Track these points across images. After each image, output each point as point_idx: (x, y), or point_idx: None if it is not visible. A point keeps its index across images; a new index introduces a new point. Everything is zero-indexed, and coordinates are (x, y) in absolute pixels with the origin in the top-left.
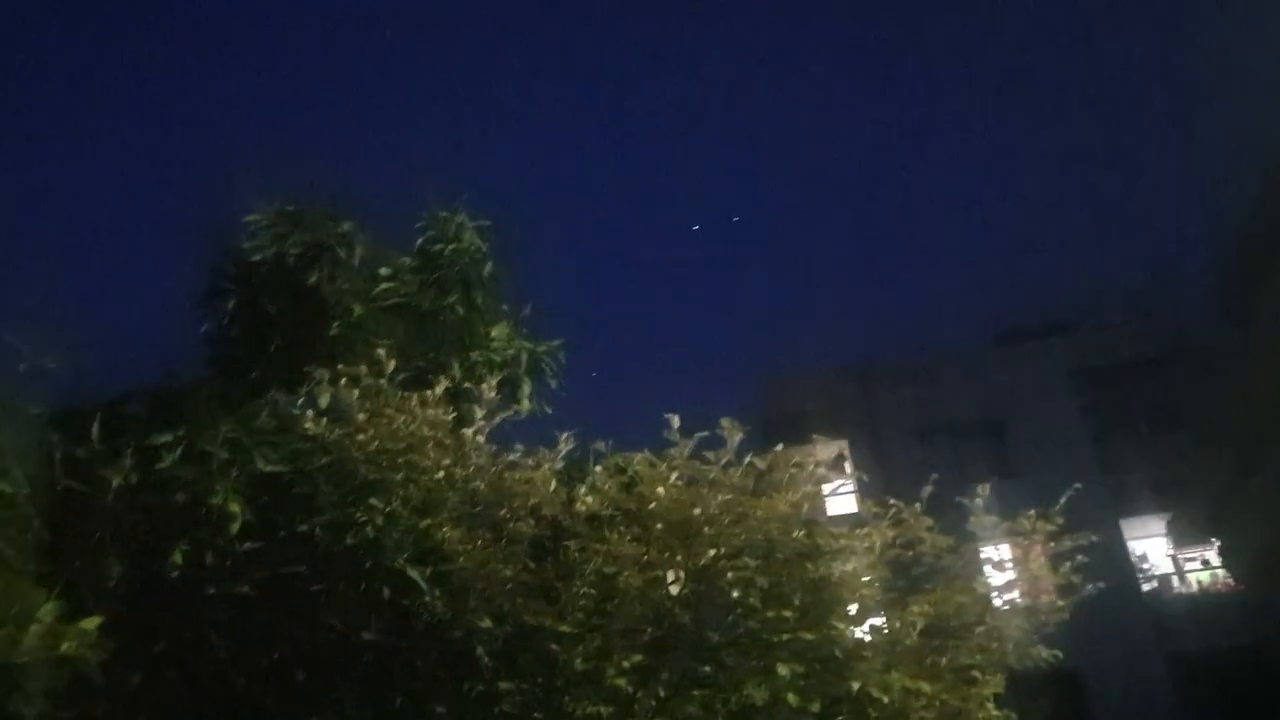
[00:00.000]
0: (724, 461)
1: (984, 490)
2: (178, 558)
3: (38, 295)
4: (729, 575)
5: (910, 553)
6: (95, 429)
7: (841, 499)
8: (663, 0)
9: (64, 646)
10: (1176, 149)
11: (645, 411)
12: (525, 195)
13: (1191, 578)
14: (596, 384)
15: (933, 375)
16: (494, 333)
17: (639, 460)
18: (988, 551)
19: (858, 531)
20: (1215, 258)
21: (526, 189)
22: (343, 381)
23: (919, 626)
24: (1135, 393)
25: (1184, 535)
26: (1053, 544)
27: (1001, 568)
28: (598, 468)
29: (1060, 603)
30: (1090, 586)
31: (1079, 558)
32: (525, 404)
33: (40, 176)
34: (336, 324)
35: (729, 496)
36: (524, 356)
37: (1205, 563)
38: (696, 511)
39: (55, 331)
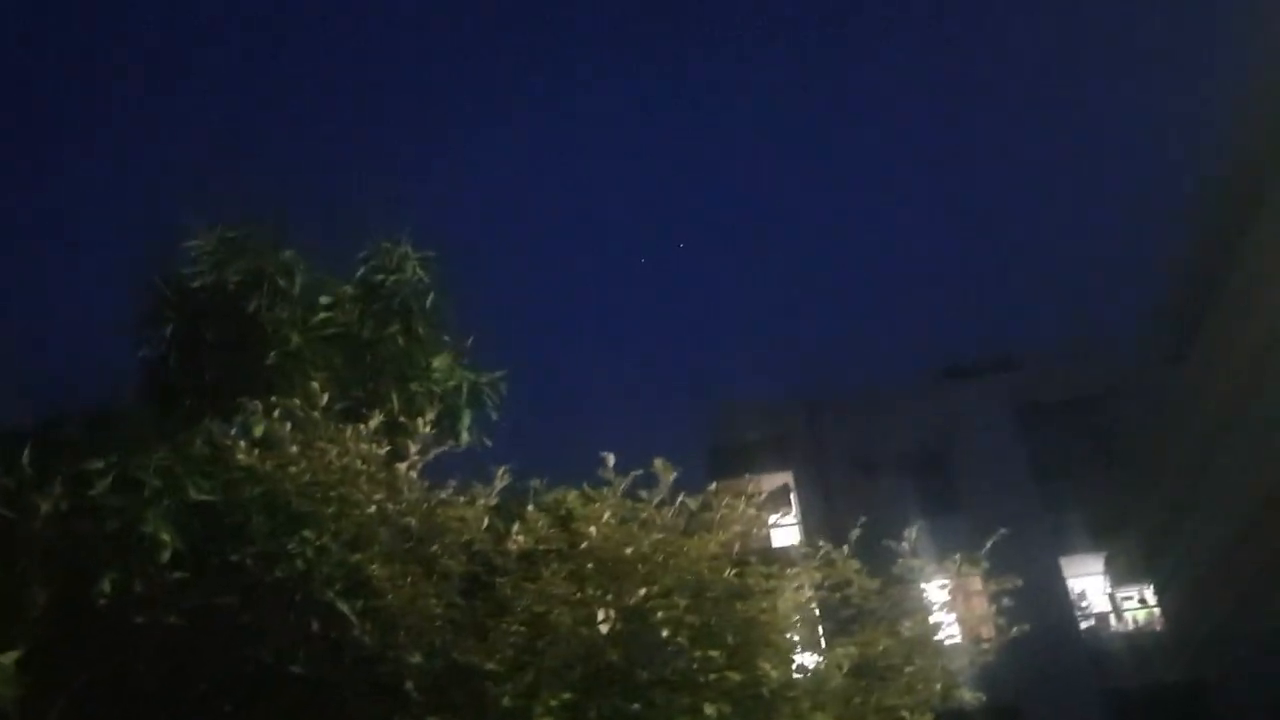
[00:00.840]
0: (657, 500)
1: (912, 533)
2: (106, 586)
3: None
4: (659, 614)
5: (838, 595)
6: (26, 455)
7: (785, 530)
8: (594, 24)
9: None
10: (1120, 188)
11: (587, 441)
12: (468, 222)
13: (1129, 615)
14: (537, 415)
15: (878, 407)
16: (435, 363)
17: (573, 497)
18: (930, 588)
19: (788, 571)
20: (1155, 296)
21: (469, 215)
22: (276, 412)
23: (845, 668)
24: (1076, 430)
25: (1121, 573)
26: (990, 584)
27: (938, 607)
28: (530, 506)
29: (985, 644)
30: (1015, 630)
31: (1005, 600)
32: (464, 436)
33: None
34: (274, 353)
35: (661, 536)
36: (465, 387)
37: (1142, 601)
38: (629, 550)
39: None
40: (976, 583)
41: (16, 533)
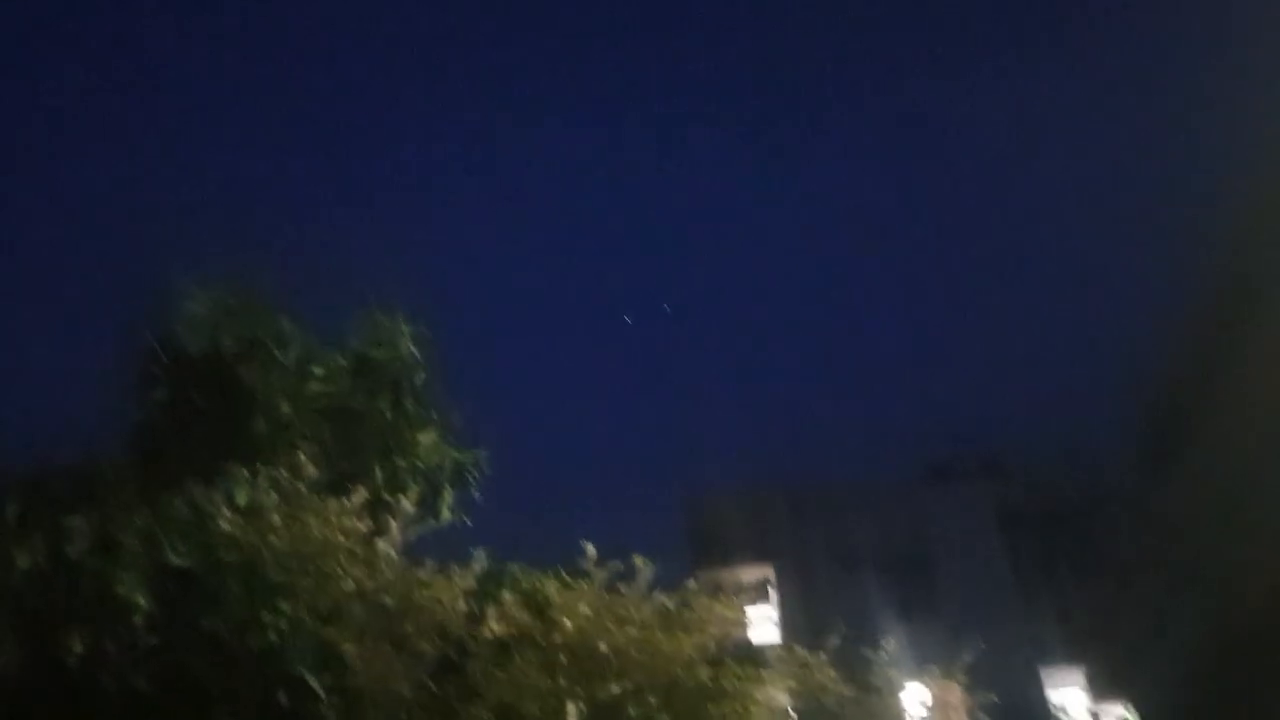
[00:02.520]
0: (636, 596)
1: (890, 643)
2: (77, 645)
3: None
4: (631, 712)
5: (815, 702)
6: (11, 509)
7: (764, 625)
8: (580, 89)
9: None
10: (1110, 295)
11: (566, 521)
12: (456, 294)
13: None
14: (518, 495)
15: (862, 505)
16: (421, 439)
17: (551, 586)
18: (908, 695)
19: (763, 673)
20: (1141, 409)
21: (456, 287)
22: (261, 481)
23: None
24: (1059, 539)
25: (1103, 686)
26: (969, 697)
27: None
28: (507, 593)
29: None
30: None
31: (985, 713)
32: (445, 514)
33: None
34: (263, 420)
35: (637, 632)
36: (448, 465)
37: (1123, 718)
38: (604, 645)
39: None
40: (955, 690)
41: None
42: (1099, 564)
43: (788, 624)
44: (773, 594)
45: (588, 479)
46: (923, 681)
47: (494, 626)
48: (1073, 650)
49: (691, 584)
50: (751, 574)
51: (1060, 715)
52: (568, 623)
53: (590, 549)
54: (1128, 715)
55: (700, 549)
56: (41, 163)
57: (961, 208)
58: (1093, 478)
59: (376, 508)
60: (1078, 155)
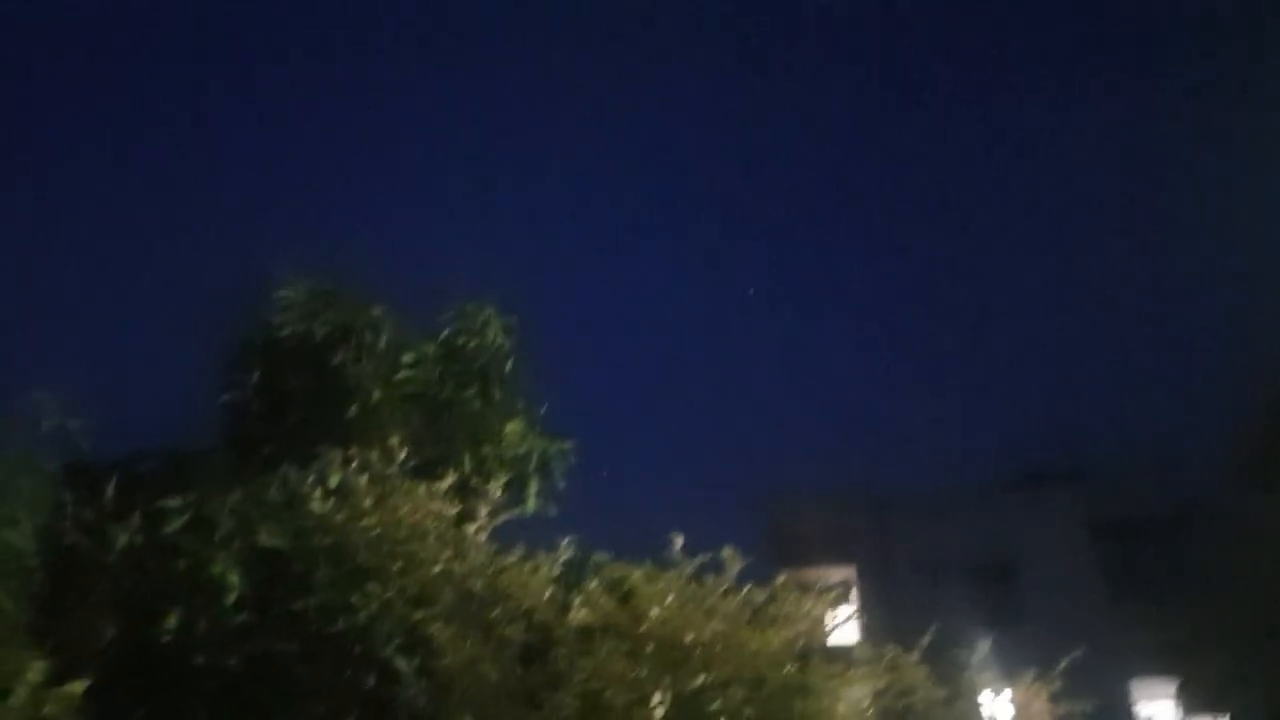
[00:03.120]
0: (722, 589)
1: (981, 647)
2: (171, 623)
3: (63, 354)
4: (715, 704)
5: (902, 702)
6: (111, 488)
7: (845, 628)
8: (698, 90)
9: (46, 709)
10: (1209, 306)
11: (651, 515)
12: (551, 292)
13: None
14: (604, 484)
15: (947, 510)
16: (508, 428)
17: (638, 576)
18: (993, 703)
19: (851, 672)
20: (1240, 417)
21: (552, 285)
22: (353, 465)
23: None
24: (1150, 549)
25: (1194, 702)
26: (1058, 706)
27: None
28: (594, 582)
29: None
30: None
31: None
32: (531, 503)
33: (73, 238)
34: (355, 406)
35: (723, 626)
36: (535, 455)
37: None
38: (689, 636)
39: (79, 391)
40: (1041, 700)
41: (92, 563)
42: (1193, 575)
43: (869, 627)
44: (854, 596)
45: (671, 474)
46: (1008, 688)
47: (580, 614)
48: (1164, 663)
49: (781, 578)
50: (833, 575)
51: None
52: (654, 612)
53: (678, 539)
54: None
55: (782, 549)
56: (135, 155)
57: (1058, 213)
58: (1186, 487)
59: (465, 493)
60: (1178, 165)
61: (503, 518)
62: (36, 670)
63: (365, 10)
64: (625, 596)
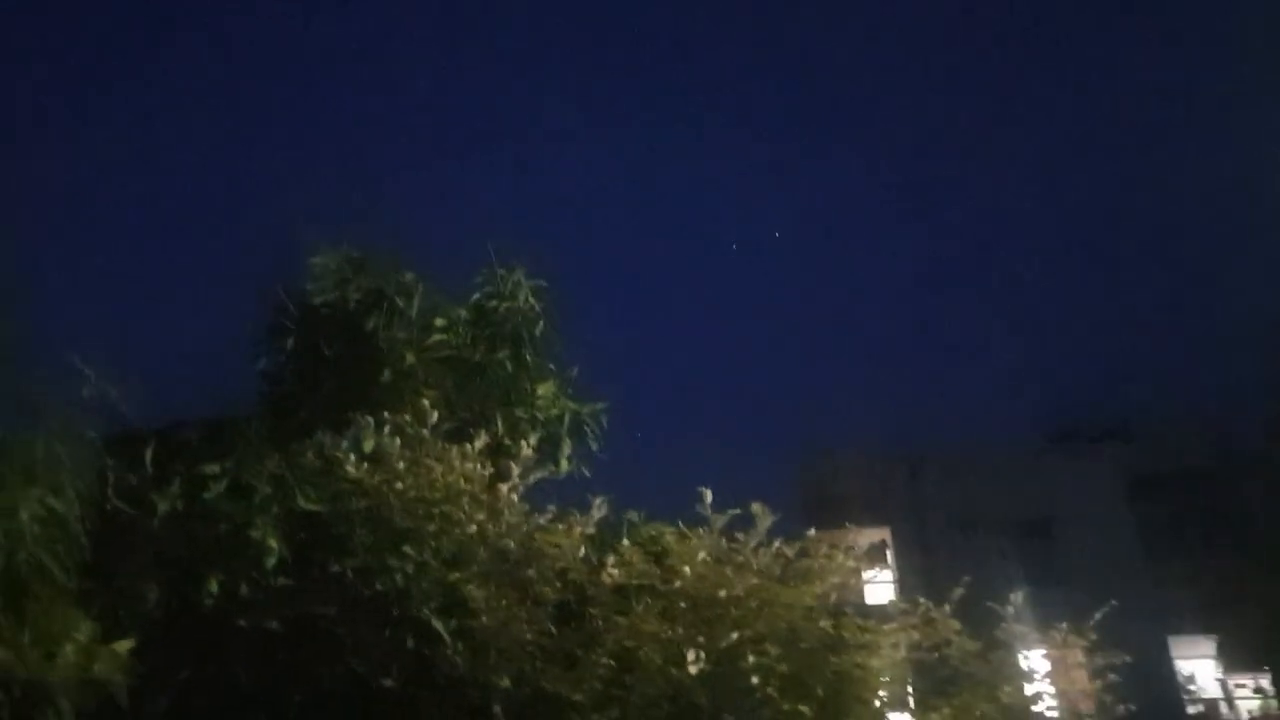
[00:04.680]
0: (754, 544)
1: (1017, 598)
2: (213, 586)
3: (102, 321)
4: (750, 660)
5: (937, 654)
6: (149, 455)
7: (880, 587)
8: (737, 68)
9: (95, 668)
10: (1242, 261)
11: (682, 476)
12: (578, 252)
13: (1242, 705)
14: (636, 446)
15: (982, 469)
16: (540, 390)
17: (670, 533)
18: (1030, 658)
19: (885, 627)
20: (1274, 370)
21: (581, 246)
22: (387, 428)
23: None
24: (1189, 505)
25: (1235, 659)
26: (1093, 657)
27: (1039, 677)
28: (626, 540)
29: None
30: (1122, 707)
31: (1112, 677)
32: (564, 464)
33: (111, 209)
34: (388, 371)
35: (756, 581)
36: (566, 417)
37: (1258, 690)
38: (722, 593)
39: (117, 357)
40: (1078, 655)
41: (135, 529)
42: (1232, 531)
43: (905, 586)
44: (890, 557)
45: (706, 432)
46: (1045, 641)
47: (613, 573)
48: (1204, 620)
49: (812, 532)
50: (868, 536)
51: (1189, 686)
52: (687, 570)
53: (708, 494)
54: (1263, 688)
55: (815, 508)
56: (168, 133)
57: (1096, 178)
58: (1224, 442)
59: (497, 455)
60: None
61: (535, 477)
62: (85, 630)
63: None
64: (657, 556)
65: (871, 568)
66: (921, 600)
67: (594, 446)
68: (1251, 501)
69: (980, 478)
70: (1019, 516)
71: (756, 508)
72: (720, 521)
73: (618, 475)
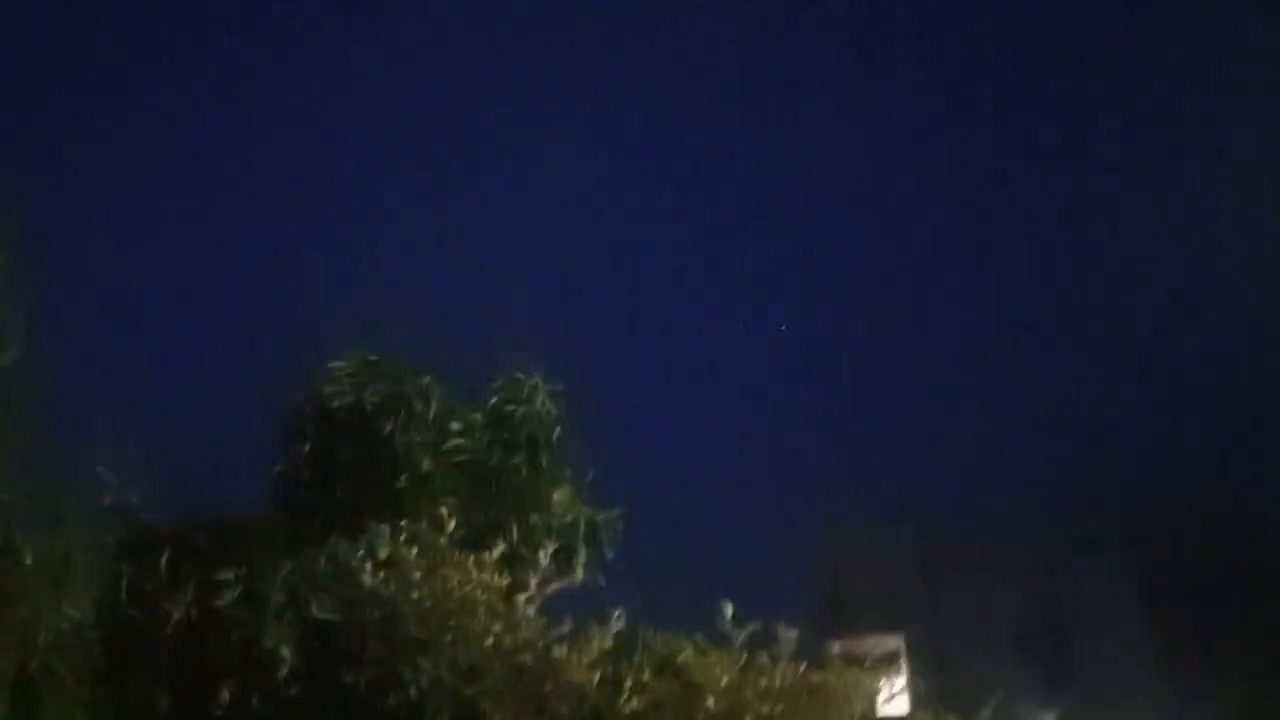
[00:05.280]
0: (777, 667)
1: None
2: (226, 695)
3: (120, 421)
4: None
5: None
6: (163, 562)
7: (896, 699)
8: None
9: None
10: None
11: (697, 577)
12: (597, 354)
13: None
14: (650, 551)
15: (999, 574)
16: (556, 496)
17: (690, 650)
18: None
19: None
20: None
21: (598, 348)
22: (403, 537)
23: None
24: (1210, 615)
25: None
26: None
27: None
28: (642, 661)
29: None
30: None
31: None
32: (580, 573)
33: (127, 310)
34: (405, 476)
35: (781, 708)
36: (582, 523)
37: None
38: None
39: (137, 463)
40: None
41: (148, 635)
42: (1255, 641)
43: (919, 697)
44: (904, 666)
45: (720, 540)
46: None
47: (632, 704)
48: None
49: (835, 650)
50: (883, 645)
51: None
52: (711, 700)
53: (729, 608)
54: None
55: (830, 615)
56: (179, 221)
57: (1104, 266)
58: (1245, 548)
59: (513, 563)
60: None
61: (553, 587)
62: None
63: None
64: (677, 673)
65: (888, 680)
66: (942, 712)
67: (609, 554)
68: (1275, 610)
69: (996, 583)
70: (1035, 623)
71: (781, 631)
72: (740, 637)
73: (634, 580)
